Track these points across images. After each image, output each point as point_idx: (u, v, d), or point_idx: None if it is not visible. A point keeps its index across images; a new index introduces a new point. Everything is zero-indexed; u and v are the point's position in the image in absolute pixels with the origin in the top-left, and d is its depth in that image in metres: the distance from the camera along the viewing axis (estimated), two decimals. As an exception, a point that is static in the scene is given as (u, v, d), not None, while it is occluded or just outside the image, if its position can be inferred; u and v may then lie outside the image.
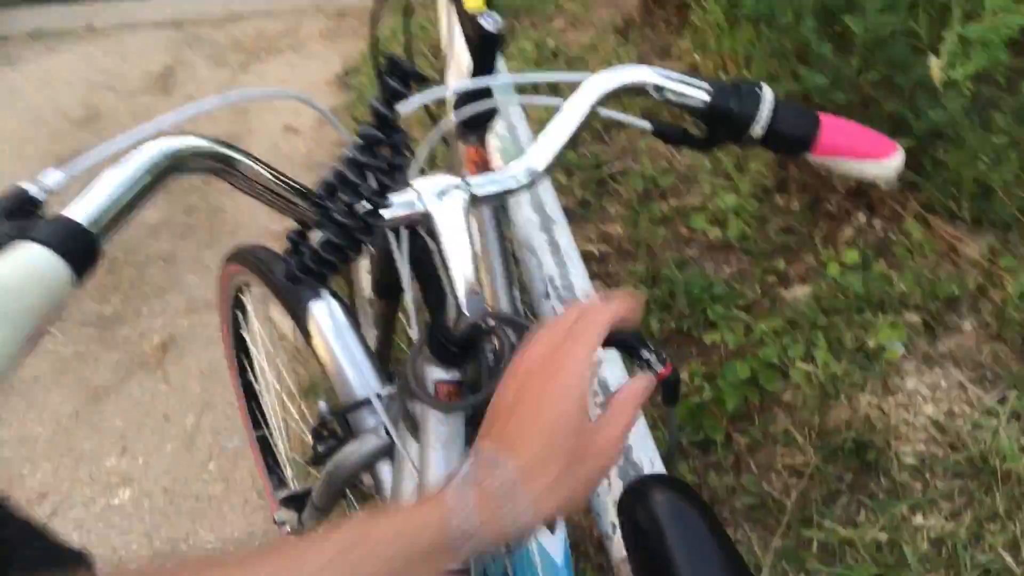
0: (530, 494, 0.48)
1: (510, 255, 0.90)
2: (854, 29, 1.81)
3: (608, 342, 0.62)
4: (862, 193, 1.85)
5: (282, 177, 0.60)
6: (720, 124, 0.70)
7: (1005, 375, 1.48)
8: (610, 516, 0.72)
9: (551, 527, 0.74)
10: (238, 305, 1.46)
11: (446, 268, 0.64)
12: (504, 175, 0.68)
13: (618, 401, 0.53)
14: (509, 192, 0.69)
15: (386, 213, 0.62)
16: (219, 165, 0.56)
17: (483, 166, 0.93)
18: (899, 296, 1.65)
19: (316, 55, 3.32)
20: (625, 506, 0.66)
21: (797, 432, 1.50)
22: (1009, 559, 1.26)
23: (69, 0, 3.77)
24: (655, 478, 0.66)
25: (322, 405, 1.05)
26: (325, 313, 1.00)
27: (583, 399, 0.50)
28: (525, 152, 0.69)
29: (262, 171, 0.59)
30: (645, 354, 0.61)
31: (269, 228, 2.60)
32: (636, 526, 0.65)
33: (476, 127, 0.94)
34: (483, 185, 0.67)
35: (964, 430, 1.42)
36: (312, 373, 1.77)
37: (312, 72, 3.21)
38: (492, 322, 0.72)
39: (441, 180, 0.65)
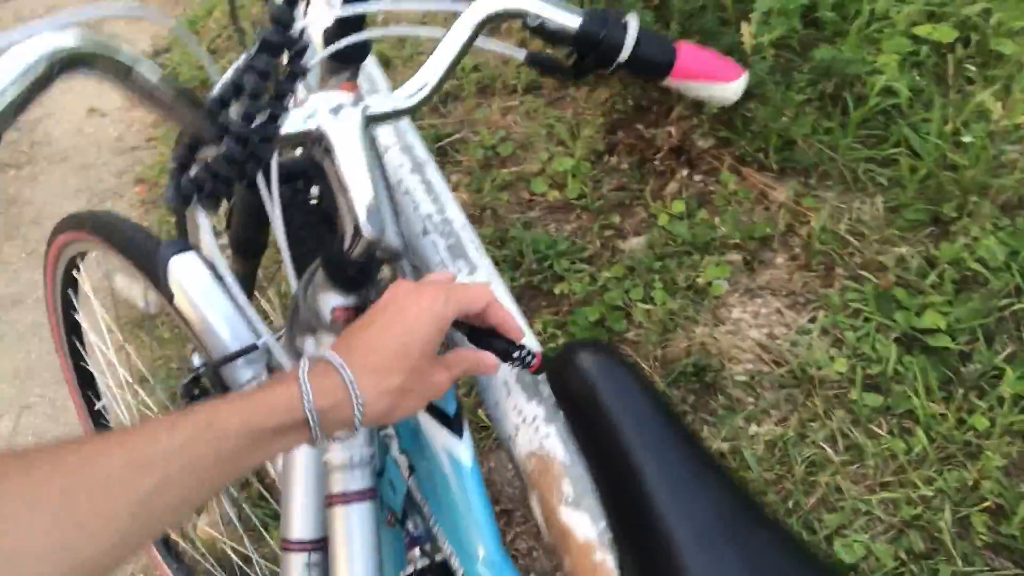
0: (366, 392, 0.57)
1: (391, 188, 0.92)
2: (671, 1, 1.97)
3: (478, 341, 0.68)
4: (682, 150, 2.01)
5: (176, 84, 0.59)
6: (590, 51, 0.76)
7: (814, 299, 1.67)
8: (511, 420, 0.76)
9: (458, 431, 0.77)
10: (70, 283, 1.37)
11: (343, 188, 0.65)
12: (398, 94, 0.71)
13: (456, 357, 0.64)
14: (402, 112, 0.71)
15: (283, 127, 0.62)
16: (111, 66, 0.52)
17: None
18: (721, 239, 1.81)
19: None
20: (555, 372, 0.70)
21: (644, 364, 1.62)
22: (829, 451, 1.43)
23: None
24: (582, 344, 0.71)
25: (195, 359, 1.01)
26: (188, 267, 0.97)
27: (426, 343, 0.59)
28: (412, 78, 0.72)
29: (154, 76, 0.57)
30: (515, 355, 0.67)
31: (90, 216, 2.42)
32: (568, 389, 0.69)
33: (348, 62, 0.94)
34: (378, 104, 0.69)
35: (784, 348, 1.59)
36: (163, 349, 1.69)
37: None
38: (388, 246, 0.74)
39: (336, 96, 0.66)
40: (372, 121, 0.69)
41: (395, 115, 0.70)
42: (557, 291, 1.82)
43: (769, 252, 1.79)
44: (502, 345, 0.67)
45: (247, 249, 1.19)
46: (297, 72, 0.60)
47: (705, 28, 1.97)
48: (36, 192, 2.60)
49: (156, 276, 0.98)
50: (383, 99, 0.70)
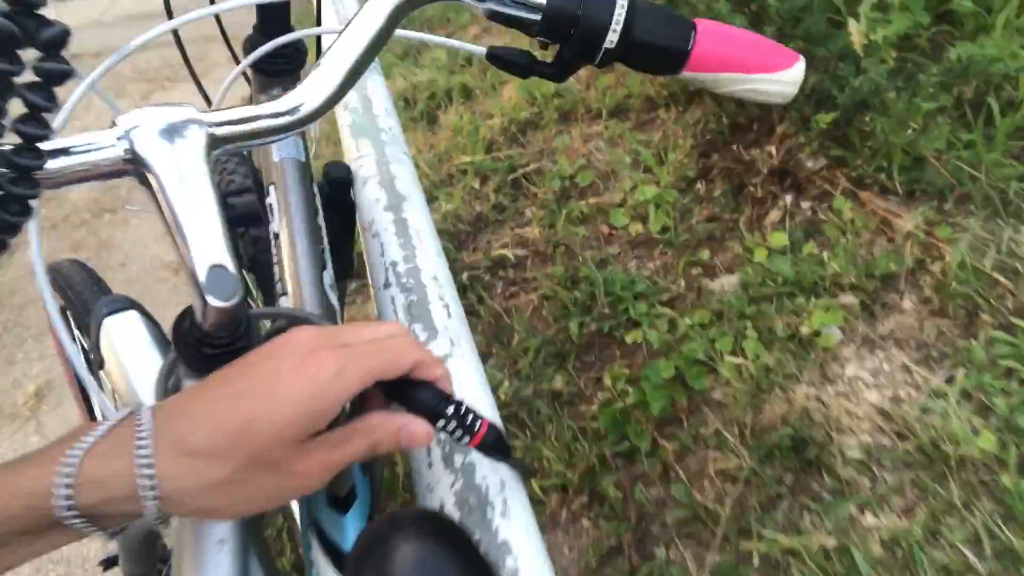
0: (173, 482, 0.39)
1: (317, 228, 0.72)
2: (769, 1, 1.70)
3: (401, 397, 0.47)
4: (786, 173, 1.72)
5: None
6: (567, 39, 0.54)
7: (951, 352, 1.33)
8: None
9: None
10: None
11: (180, 239, 0.46)
12: (262, 110, 0.51)
13: (356, 428, 0.44)
14: (266, 133, 0.51)
15: (66, 160, 0.44)
16: None
17: None
18: (832, 277, 1.50)
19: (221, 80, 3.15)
20: (360, 556, 0.47)
21: (729, 433, 1.34)
22: (971, 556, 1.09)
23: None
24: (411, 518, 0.48)
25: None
26: (125, 328, 0.81)
27: (290, 425, 0.40)
28: (300, 83, 0.52)
29: None
30: (450, 423, 0.47)
31: (163, 259, 2.39)
32: None
33: (279, 75, 0.76)
34: (229, 122, 0.49)
35: (912, 416, 1.26)
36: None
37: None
38: (259, 314, 0.54)
39: (167, 111, 0.47)
40: (220, 144, 0.49)
41: (264, 135, 0.50)
42: (631, 339, 1.56)
43: (893, 294, 1.46)
44: (430, 402, 0.46)
45: (337, 272, 1.04)
46: (54, 74, 0.40)
47: (811, 32, 1.68)
48: (127, 236, 2.62)
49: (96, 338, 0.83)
50: (240, 116, 0.50)
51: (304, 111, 0.50)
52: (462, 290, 1.80)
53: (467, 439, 0.47)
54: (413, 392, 0.46)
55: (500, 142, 2.20)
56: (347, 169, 0.91)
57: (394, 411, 0.45)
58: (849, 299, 1.48)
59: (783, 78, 0.56)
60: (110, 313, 0.81)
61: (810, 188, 1.70)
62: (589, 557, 1.27)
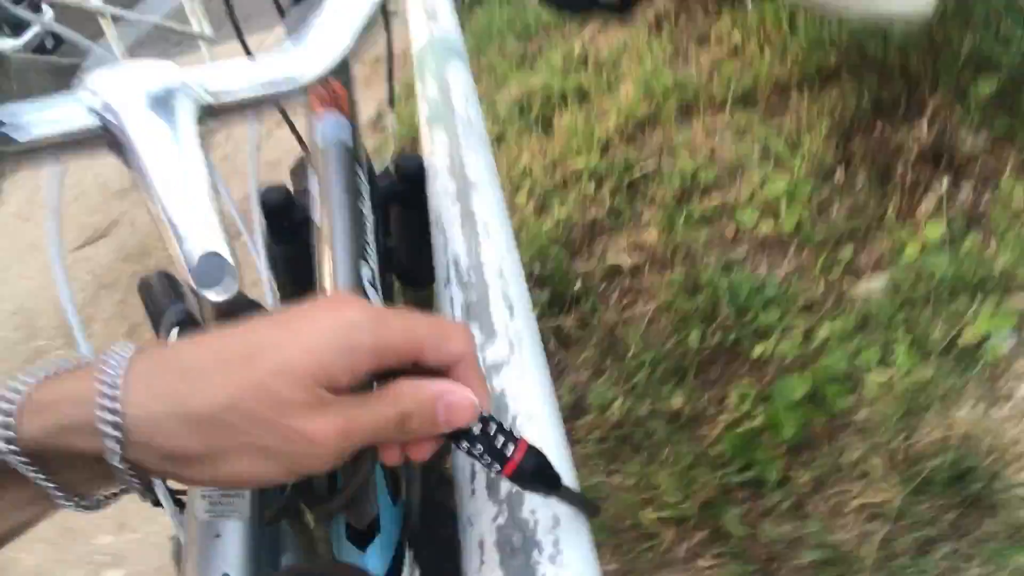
0: (142, 423, 0.30)
1: (360, 218, 0.65)
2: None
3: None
4: (942, 153, 1.48)
5: None
6: None
7: None
8: (472, 550, 0.45)
9: (363, 539, 0.47)
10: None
11: (164, 222, 0.41)
12: (258, 70, 0.45)
13: (374, 396, 0.34)
14: (266, 100, 0.45)
15: (25, 130, 0.40)
16: None
17: (335, 107, 0.69)
18: (1000, 275, 1.27)
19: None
20: None
21: (875, 461, 1.15)
22: None
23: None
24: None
25: None
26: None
27: (337, 352, 0.32)
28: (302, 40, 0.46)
29: None
30: (475, 444, 0.37)
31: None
32: None
33: None
34: (222, 87, 0.44)
35: (1111, 442, 1.03)
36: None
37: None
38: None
39: (143, 74, 0.42)
40: (215, 115, 0.43)
41: (255, 105, 0.44)
42: (759, 352, 1.40)
43: (1082, 291, 1.21)
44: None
45: (415, 277, 0.98)
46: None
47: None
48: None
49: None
50: (235, 79, 0.44)
51: (305, 76, 0.44)
52: (575, 301, 1.70)
53: (497, 466, 0.37)
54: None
55: (616, 142, 2.08)
56: (418, 161, 0.84)
57: (435, 379, 0.35)
58: (1022, 301, 1.24)
59: None
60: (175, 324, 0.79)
61: (970, 169, 1.45)
62: (710, 602, 1.13)
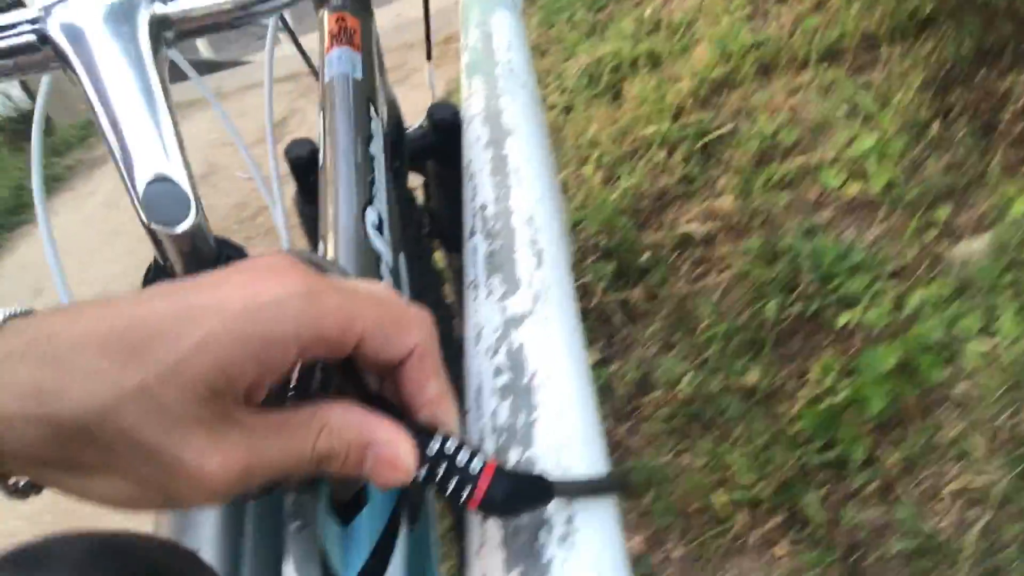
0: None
1: (367, 158, 0.59)
2: None
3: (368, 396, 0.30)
4: (1056, 99, 1.32)
5: None
6: None
7: None
8: None
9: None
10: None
11: (113, 144, 0.36)
12: None
13: (292, 419, 0.27)
14: (234, 14, 0.40)
15: None
16: None
17: (346, 43, 0.63)
18: None
19: (422, 84, 3.20)
20: None
21: (975, 441, 1.02)
22: None
23: (202, 74, 4.00)
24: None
25: None
26: None
27: (246, 344, 0.24)
28: None
29: None
30: (437, 467, 0.30)
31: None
32: None
33: None
34: None
35: None
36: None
37: (419, 99, 3.08)
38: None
39: None
40: (174, 29, 0.38)
41: (234, 17, 0.39)
42: (844, 321, 1.28)
43: None
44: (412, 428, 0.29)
45: (455, 239, 0.93)
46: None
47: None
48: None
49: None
50: None
51: None
52: (643, 273, 1.61)
53: (463, 496, 0.30)
54: (388, 402, 0.30)
55: (689, 107, 1.96)
56: (452, 110, 0.78)
57: (377, 417, 0.28)
58: None
59: None
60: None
61: (1092, 115, 1.29)
62: (786, 592, 1.03)
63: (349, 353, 0.27)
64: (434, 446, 0.29)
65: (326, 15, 0.65)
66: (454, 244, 0.94)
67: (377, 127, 0.62)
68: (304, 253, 0.38)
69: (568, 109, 2.29)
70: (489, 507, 0.30)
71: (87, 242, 2.97)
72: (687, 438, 1.28)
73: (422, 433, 0.29)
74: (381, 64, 0.73)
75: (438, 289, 0.94)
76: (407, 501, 0.42)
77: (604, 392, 1.43)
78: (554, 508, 0.35)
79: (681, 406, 1.32)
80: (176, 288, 0.25)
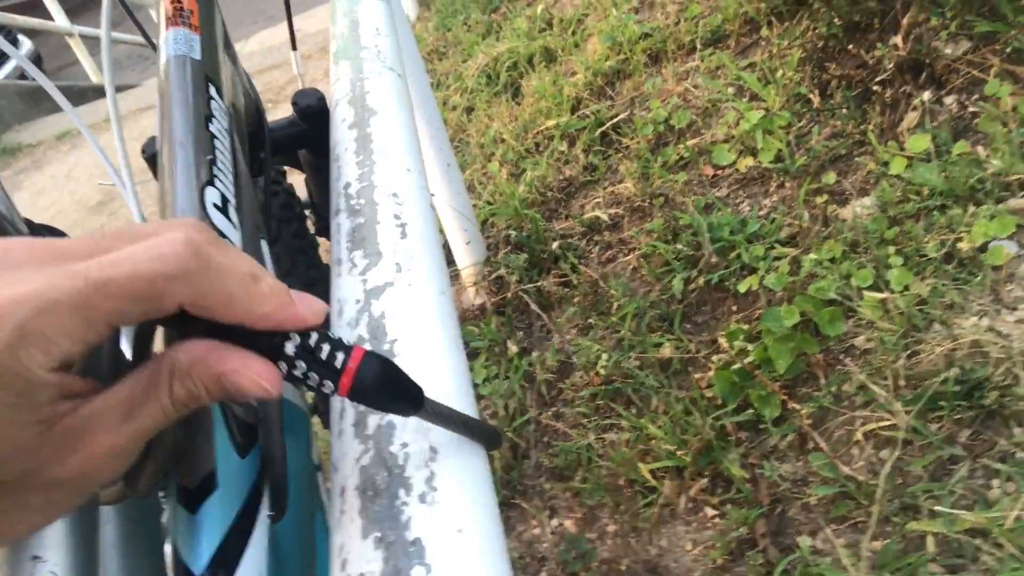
0: None
1: (206, 137, 0.55)
2: None
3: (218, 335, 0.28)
4: (920, 65, 1.40)
5: None
6: None
7: None
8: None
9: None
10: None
11: None
12: None
13: (137, 383, 0.26)
14: None
15: None
16: None
17: (182, 24, 0.60)
18: (994, 179, 1.19)
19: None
20: None
21: (878, 386, 1.07)
22: None
23: (92, 99, 3.81)
24: None
25: None
26: None
27: (14, 403, 0.23)
28: None
29: None
30: (296, 363, 0.29)
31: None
32: None
33: None
34: None
35: None
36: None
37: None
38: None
39: None
40: None
41: None
42: (745, 288, 1.32)
43: (1082, 185, 1.13)
44: (264, 339, 0.28)
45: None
46: None
47: None
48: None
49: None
50: None
51: None
52: (553, 260, 1.62)
53: (330, 385, 0.29)
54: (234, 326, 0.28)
55: (586, 99, 2.00)
56: (318, 95, 0.76)
57: (216, 344, 0.27)
58: (1021, 202, 1.16)
59: None
60: None
61: (952, 78, 1.38)
62: (716, 553, 1.05)
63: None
64: (293, 343, 0.28)
65: None
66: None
67: (218, 108, 0.59)
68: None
69: (470, 109, 2.30)
70: (359, 392, 0.29)
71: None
72: (611, 416, 1.29)
73: (278, 335, 0.28)
74: (230, 50, 0.71)
75: (327, 283, 0.92)
76: (266, 486, 0.39)
77: (527, 380, 1.44)
78: (413, 468, 0.34)
79: (602, 385, 1.33)
80: None
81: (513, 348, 1.52)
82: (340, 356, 0.29)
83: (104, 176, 3.00)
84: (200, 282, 0.25)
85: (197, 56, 0.58)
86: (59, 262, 0.24)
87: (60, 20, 4.17)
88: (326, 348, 0.29)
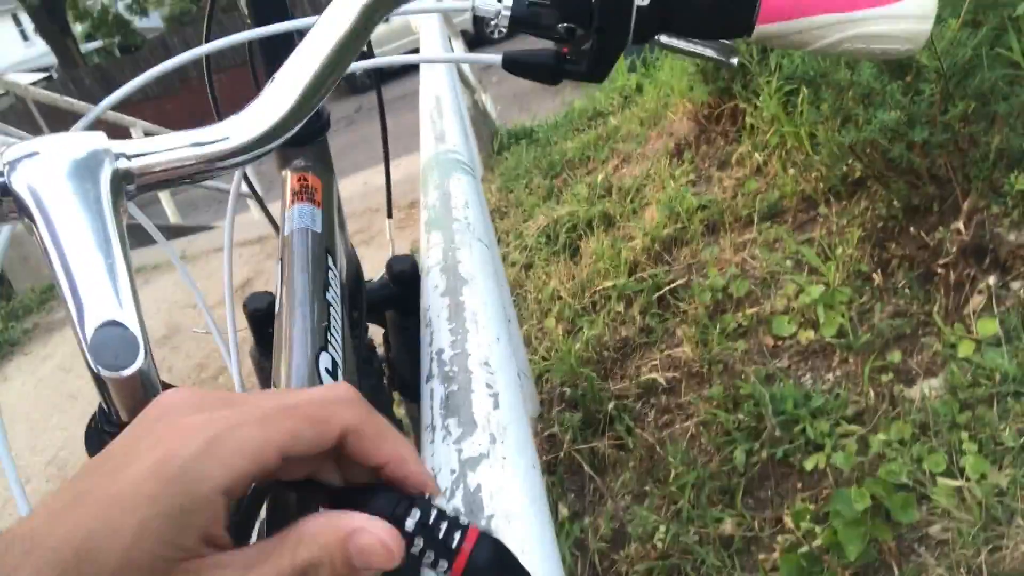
0: None
1: (324, 305, 0.59)
2: (924, 62, 1.48)
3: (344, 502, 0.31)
4: (983, 250, 1.42)
5: None
6: (589, 16, 0.42)
7: None
8: None
9: None
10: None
11: (66, 290, 0.36)
12: (185, 139, 0.41)
13: (267, 547, 0.27)
14: (194, 168, 0.41)
15: None
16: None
17: (307, 200, 0.65)
18: (1070, 367, 1.17)
19: (386, 244, 3.28)
20: None
21: (958, 581, 1.01)
22: None
23: (169, 238, 4.05)
24: None
25: None
26: None
27: (169, 516, 0.25)
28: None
29: None
30: (415, 539, 0.30)
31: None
32: None
33: (301, 144, 0.69)
34: (146, 154, 0.40)
35: None
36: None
37: (382, 257, 3.15)
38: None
39: (59, 142, 0.39)
40: (132, 179, 0.39)
41: (192, 169, 0.40)
42: (811, 465, 1.28)
43: None
44: (383, 503, 0.29)
45: (416, 388, 0.92)
46: None
47: (983, 90, 1.43)
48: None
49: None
50: (163, 142, 0.40)
51: (238, 139, 0.40)
52: (608, 421, 1.61)
53: (444, 565, 0.29)
54: (358, 492, 0.30)
55: (644, 263, 2.05)
56: (411, 261, 0.80)
57: (343, 512, 0.29)
58: (1101, 393, 1.13)
59: (904, 9, 0.38)
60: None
61: (1018, 265, 1.38)
62: None
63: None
64: (413, 518, 0.29)
65: (289, 174, 0.68)
66: (413, 393, 0.94)
67: (334, 277, 0.63)
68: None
69: (528, 266, 2.37)
70: (472, 574, 0.29)
71: (40, 406, 2.86)
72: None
73: (401, 504, 0.29)
74: (341, 220, 0.76)
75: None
76: None
77: (578, 547, 1.39)
78: None
79: (658, 559, 1.28)
80: (95, 480, 0.26)
81: (564, 511, 1.48)
82: (456, 536, 0.29)
83: (174, 310, 3.12)
84: (362, 414, 0.29)
85: (318, 230, 0.62)
86: (244, 401, 0.28)
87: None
88: (444, 525, 0.29)
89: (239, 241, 3.72)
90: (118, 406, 0.37)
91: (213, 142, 0.39)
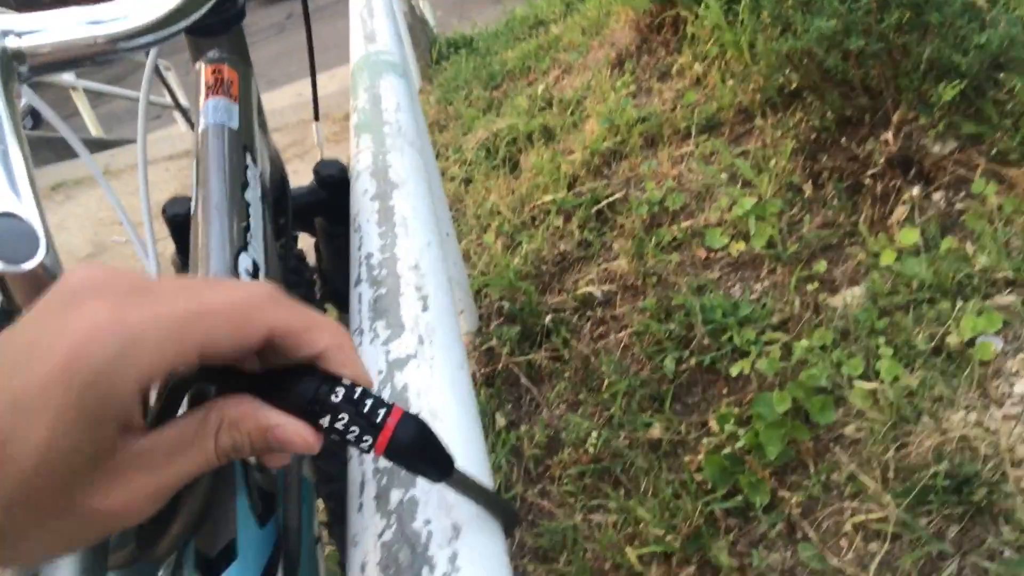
0: None
1: (242, 204, 0.57)
2: (858, -29, 1.47)
3: (268, 389, 0.30)
4: (909, 161, 1.45)
5: None
6: None
7: None
8: None
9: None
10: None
11: None
12: (87, 15, 0.39)
13: (185, 429, 0.28)
14: (89, 49, 0.39)
15: None
16: None
17: (222, 93, 0.62)
18: (982, 275, 1.22)
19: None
20: None
21: (868, 477, 1.07)
22: None
23: (92, 152, 3.86)
24: None
25: None
26: None
27: (82, 420, 0.24)
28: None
29: None
30: (338, 418, 0.29)
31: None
32: None
33: (215, 34, 0.65)
34: (39, 31, 0.37)
35: (1116, 438, 0.96)
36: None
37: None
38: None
39: None
40: (25, 62, 0.36)
41: (95, 54, 0.37)
42: (737, 371, 1.33)
43: (1067, 286, 1.16)
44: (307, 388, 0.29)
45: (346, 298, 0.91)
46: None
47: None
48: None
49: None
50: (63, 17, 0.37)
51: (141, 18, 0.37)
52: (545, 334, 1.63)
53: (368, 441, 0.29)
54: (282, 377, 0.29)
55: (583, 177, 2.04)
56: (339, 166, 0.78)
57: (263, 406, 0.29)
58: (1008, 299, 1.19)
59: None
60: None
61: (940, 176, 1.42)
62: (702, 642, 1.03)
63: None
64: (337, 396, 0.29)
65: (203, 66, 0.64)
66: (345, 303, 0.93)
67: (253, 175, 0.61)
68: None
69: (468, 181, 2.34)
70: (395, 451, 0.30)
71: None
72: (598, 496, 1.28)
73: (327, 383, 0.29)
74: (262, 119, 0.73)
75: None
76: (283, 555, 0.40)
77: (513, 455, 1.42)
78: (436, 547, 0.34)
79: (590, 463, 1.32)
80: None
81: (501, 421, 1.51)
82: (381, 412, 0.30)
83: (99, 228, 3.01)
84: (285, 313, 0.28)
85: (235, 126, 0.59)
86: (157, 294, 0.26)
87: (66, 75, 4.26)
88: (369, 402, 0.30)
89: (167, 155, 3.58)
90: (21, 303, 0.35)
91: (113, 19, 0.36)
